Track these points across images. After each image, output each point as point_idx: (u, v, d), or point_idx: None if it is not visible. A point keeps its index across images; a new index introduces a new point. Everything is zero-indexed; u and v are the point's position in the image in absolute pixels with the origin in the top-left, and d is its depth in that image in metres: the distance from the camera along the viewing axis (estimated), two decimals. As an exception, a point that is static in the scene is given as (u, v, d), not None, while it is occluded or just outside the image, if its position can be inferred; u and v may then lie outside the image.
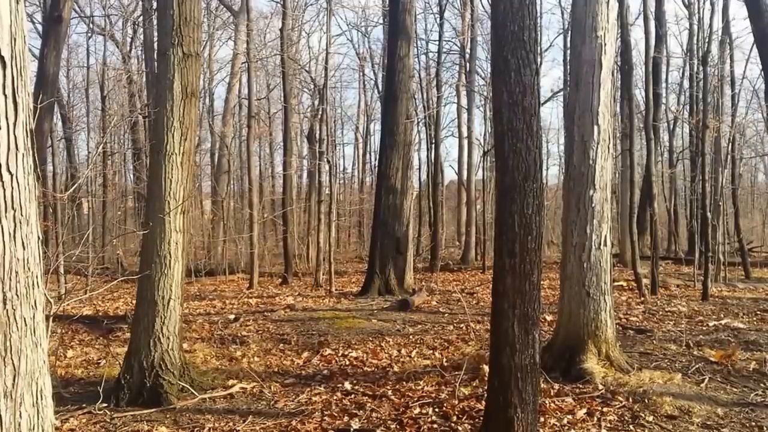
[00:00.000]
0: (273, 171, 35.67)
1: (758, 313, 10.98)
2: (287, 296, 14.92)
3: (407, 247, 15.41)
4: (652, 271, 14.19)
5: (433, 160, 26.40)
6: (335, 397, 6.52)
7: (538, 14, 4.79)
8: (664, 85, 28.51)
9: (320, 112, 19.82)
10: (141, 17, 26.23)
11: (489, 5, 20.35)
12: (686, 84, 28.31)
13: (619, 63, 18.28)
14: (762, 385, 6.46)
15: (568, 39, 22.95)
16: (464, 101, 28.06)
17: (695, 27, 23.90)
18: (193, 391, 6.65)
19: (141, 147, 24.16)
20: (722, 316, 10.60)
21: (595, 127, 6.74)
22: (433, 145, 26.23)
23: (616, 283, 15.42)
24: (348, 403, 6.29)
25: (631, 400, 5.90)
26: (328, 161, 19.79)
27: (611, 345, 6.80)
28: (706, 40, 16.46)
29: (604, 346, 6.74)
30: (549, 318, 9.99)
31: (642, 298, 12.80)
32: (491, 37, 4.91)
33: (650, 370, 6.78)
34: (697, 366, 7.05)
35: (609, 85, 6.82)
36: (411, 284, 15.33)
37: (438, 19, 27.51)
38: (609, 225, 6.87)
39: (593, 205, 6.76)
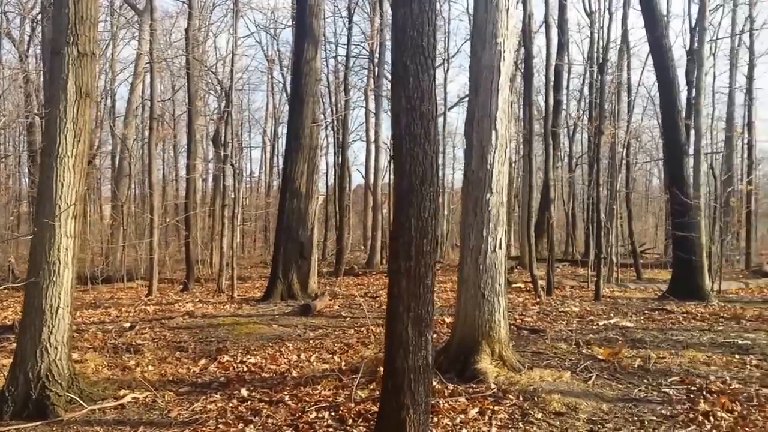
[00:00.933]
0: (177, 174, 34.84)
1: (646, 312, 11.66)
2: (187, 303, 14.61)
3: (311, 252, 15.40)
4: (548, 273, 14.80)
5: (339, 164, 26.49)
6: (231, 405, 6.44)
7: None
8: (565, 91, 29.75)
9: (226, 115, 19.55)
10: (39, 15, 25.05)
11: (392, 11, 20.74)
12: (587, 91, 29.56)
13: (522, 70, 18.96)
14: (645, 381, 6.85)
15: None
16: (372, 105, 28.37)
17: (596, 35, 25.10)
18: (81, 402, 6.41)
19: (36, 149, 23.07)
20: (612, 315, 11.20)
21: (494, 132, 6.98)
22: (341, 149, 26.34)
23: (514, 285, 16.03)
24: (244, 410, 6.22)
25: (521, 398, 6.13)
26: (233, 165, 19.52)
27: (504, 345, 7.05)
28: (605, 48, 17.27)
29: (498, 347, 6.98)
30: (448, 320, 10.26)
31: (538, 299, 13.34)
32: (392, 42, 5.00)
33: (541, 368, 7.07)
34: (585, 364, 7.41)
35: (507, 91, 7.08)
36: (315, 289, 15.34)
37: (347, 23, 27.64)
38: (504, 228, 7.13)
39: (490, 208, 6.99)
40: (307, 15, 14.78)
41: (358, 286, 17.83)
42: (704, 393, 6.33)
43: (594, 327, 9.99)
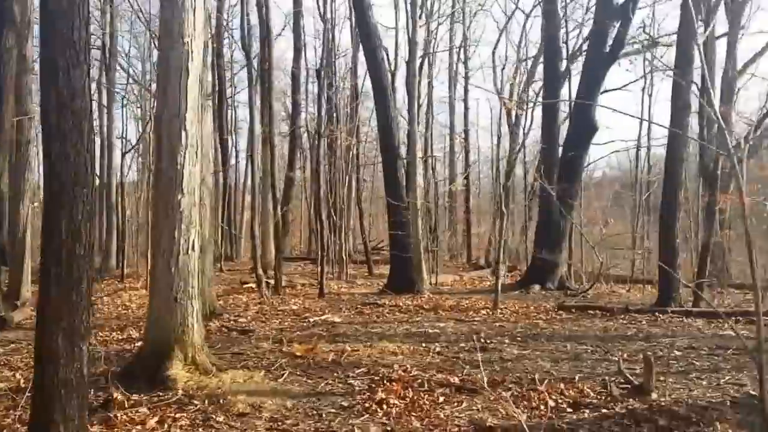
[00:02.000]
0: None
1: (359, 307, 12.34)
2: None
3: (23, 258, 13.98)
4: (275, 273, 15.05)
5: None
6: None
7: (90, 14, 4.73)
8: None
9: None
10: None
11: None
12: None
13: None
14: (335, 374, 7.20)
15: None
16: (105, 100, 26.60)
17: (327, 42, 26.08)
18: None
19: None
20: (327, 312, 11.68)
21: (183, 133, 6.85)
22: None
23: (246, 285, 16.03)
24: None
25: (206, 402, 6.09)
26: None
27: (198, 349, 6.97)
28: (328, 54, 17.97)
29: (191, 351, 6.89)
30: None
31: (262, 298, 13.48)
32: (39, 36, 4.68)
33: (236, 370, 7.12)
34: (282, 362, 7.59)
35: (197, 91, 7.02)
36: (28, 298, 13.93)
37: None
38: (198, 230, 7.06)
39: (181, 209, 6.86)
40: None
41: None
42: (385, 382, 6.81)
43: (304, 324, 10.33)
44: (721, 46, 18.64)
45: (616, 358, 7.76)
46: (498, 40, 41.65)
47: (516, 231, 27.86)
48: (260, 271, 14.00)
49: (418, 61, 18.30)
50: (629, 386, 6.60)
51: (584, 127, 16.60)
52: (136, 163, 25.17)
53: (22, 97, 13.32)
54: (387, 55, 19.37)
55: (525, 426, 4.73)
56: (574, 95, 18.82)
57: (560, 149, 17.46)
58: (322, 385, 6.79)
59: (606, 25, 15.95)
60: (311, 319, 10.69)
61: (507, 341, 9.11)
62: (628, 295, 15.21)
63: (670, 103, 12.42)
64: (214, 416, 5.78)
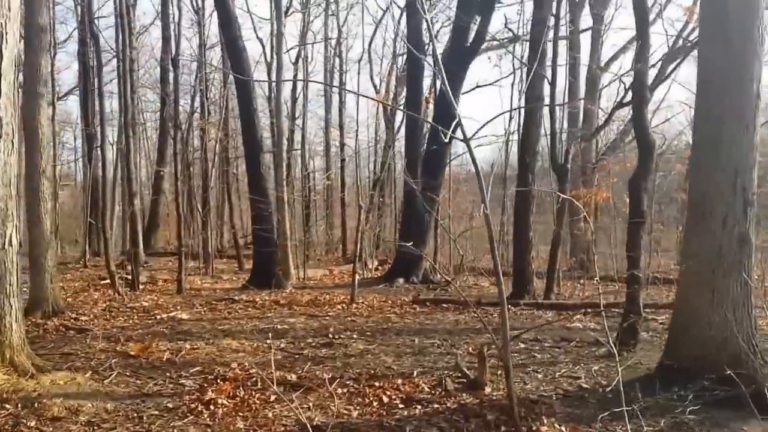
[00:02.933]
0: None
1: (213, 303, 12.11)
2: None
3: None
4: (132, 268, 14.50)
5: None
6: None
7: None
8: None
9: None
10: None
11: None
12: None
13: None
14: (167, 374, 6.98)
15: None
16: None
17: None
18: None
19: None
20: (179, 308, 11.38)
21: (-6, 120, 6.47)
22: None
23: (104, 281, 15.35)
24: None
25: (20, 406, 5.76)
26: None
27: (18, 349, 6.56)
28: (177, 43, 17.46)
29: (9, 352, 6.47)
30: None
31: (114, 295, 12.96)
32: None
33: (61, 371, 6.76)
34: (112, 362, 7.28)
35: (13, 76, 6.61)
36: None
37: None
38: (15, 224, 6.64)
39: (-2, 202, 6.48)
40: None
41: None
42: (218, 381, 6.70)
43: (150, 322, 10.01)
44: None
45: (461, 352, 8.04)
46: (373, 35, 42.16)
47: (390, 225, 28.24)
48: (113, 267, 13.43)
49: (285, 53, 18.19)
50: (465, 381, 6.77)
51: (444, 121, 17.01)
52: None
53: None
54: (263, 46, 19.12)
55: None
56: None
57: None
58: (151, 385, 6.59)
59: (467, 20, 16.35)
60: (158, 317, 10.38)
61: (355, 336, 9.21)
62: (490, 288, 15.74)
63: (525, 97, 12.98)
64: (25, 421, 5.47)
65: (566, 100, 19.13)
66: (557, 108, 13.06)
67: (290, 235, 18.20)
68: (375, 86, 28.81)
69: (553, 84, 12.77)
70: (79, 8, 23.95)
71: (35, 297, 10.47)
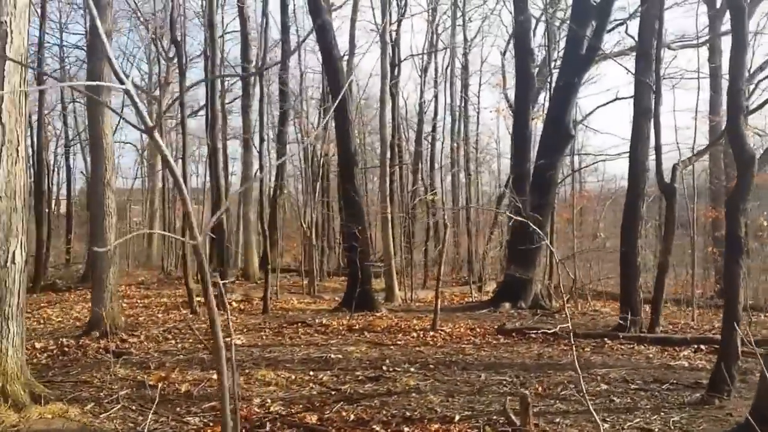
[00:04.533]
0: None
1: (285, 326, 11.49)
2: None
3: None
4: (220, 286, 14.26)
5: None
6: None
7: None
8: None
9: None
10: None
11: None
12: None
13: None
14: (177, 409, 6.31)
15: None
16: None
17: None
18: None
19: None
20: (244, 331, 10.88)
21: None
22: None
23: (197, 298, 15.25)
24: None
25: (-10, 442, 5.36)
26: None
27: (12, 377, 6.13)
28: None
29: (1, 380, 6.10)
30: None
31: (191, 315, 12.73)
32: None
33: (58, 403, 6.27)
34: (124, 393, 6.77)
35: (18, 79, 6.27)
36: None
37: None
38: (21, 240, 6.29)
39: (-2, 215, 6.13)
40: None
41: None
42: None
43: (201, 346, 9.51)
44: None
45: (526, 392, 6.88)
46: (507, 45, 40.60)
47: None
48: (191, 285, 13.21)
49: (388, 62, 17.57)
50: (509, 429, 5.69)
51: (557, 135, 15.59)
52: None
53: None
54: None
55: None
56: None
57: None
58: (150, 422, 5.95)
59: (582, 25, 14.96)
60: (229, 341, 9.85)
61: (412, 370, 8.19)
62: (605, 315, 14.19)
63: (633, 109, 11.51)
64: (-14, 461, 5.01)
65: (709, 113, 17.30)
66: (660, 121, 11.38)
67: (395, 253, 17.55)
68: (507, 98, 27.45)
69: (657, 94, 11.17)
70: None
71: (95, 315, 10.33)
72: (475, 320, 13.11)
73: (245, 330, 11.07)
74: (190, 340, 10.00)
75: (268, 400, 6.65)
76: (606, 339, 10.34)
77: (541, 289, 16.59)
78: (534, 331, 10.74)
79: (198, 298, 13.07)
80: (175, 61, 27.54)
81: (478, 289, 20.93)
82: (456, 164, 28.50)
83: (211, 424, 5.93)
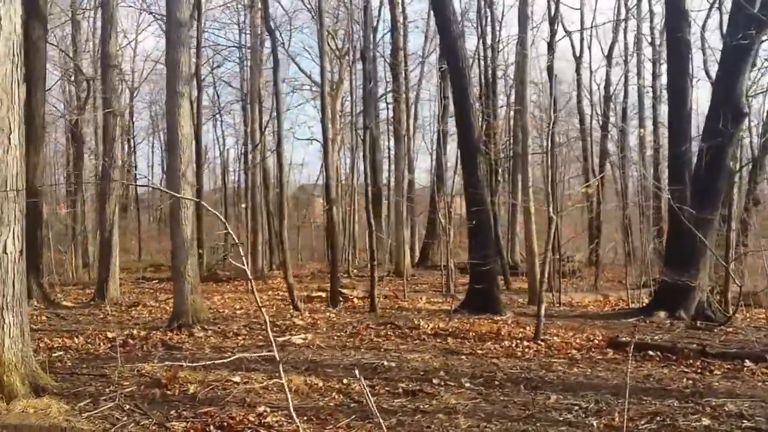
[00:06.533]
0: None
1: (371, 328, 10.97)
2: None
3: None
4: (331, 282, 14.12)
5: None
6: None
7: None
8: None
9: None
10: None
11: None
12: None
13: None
14: (171, 412, 6.05)
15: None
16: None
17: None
18: None
19: None
20: (319, 330, 10.53)
21: (-9, 114, 6.21)
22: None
23: (317, 294, 15.34)
24: None
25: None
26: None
27: (9, 368, 6.18)
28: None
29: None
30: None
31: (291, 310, 12.67)
32: None
33: (59, 397, 6.33)
34: (129, 390, 6.69)
35: (10, 67, 6.30)
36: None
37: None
38: (13, 229, 6.32)
39: (-14, 206, 6.22)
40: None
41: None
42: (209, 428, 5.61)
43: (262, 344, 9.28)
44: None
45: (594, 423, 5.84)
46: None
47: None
48: (291, 280, 13.12)
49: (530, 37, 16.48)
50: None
51: (725, 113, 13.44)
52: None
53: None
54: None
55: None
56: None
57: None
58: (131, 425, 5.73)
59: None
60: (278, 339, 9.58)
61: (468, 385, 7.27)
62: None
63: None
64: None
65: None
66: None
67: (538, 251, 16.35)
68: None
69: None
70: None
71: (176, 307, 10.52)
72: (609, 329, 11.67)
73: (327, 329, 10.70)
74: (259, 338, 9.81)
75: (269, 410, 6.16)
76: (747, 361, 8.61)
77: (709, 297, 14.52)
78: (654, 347, 9.25)
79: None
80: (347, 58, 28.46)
81: (649, 294, 18.95)
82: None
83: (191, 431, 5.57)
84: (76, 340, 9.33)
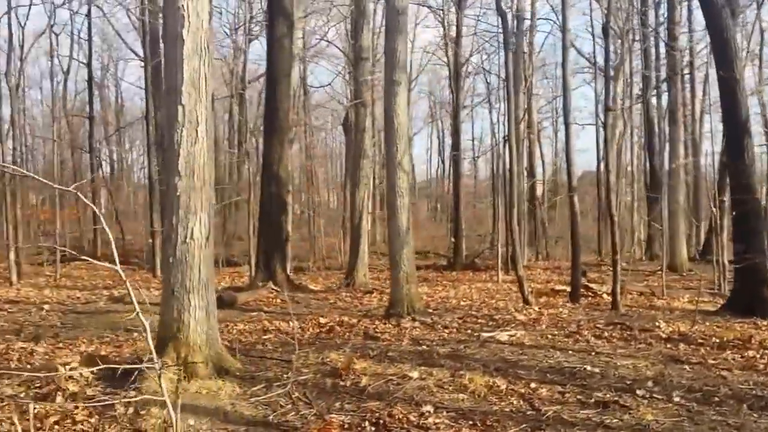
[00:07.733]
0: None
1: (601, 329, 10.00)
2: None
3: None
4: (613, 279, 13.15)
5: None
6: None
7: None
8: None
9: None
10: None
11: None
12: None
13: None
14: (341, 400, 6.09)
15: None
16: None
17: None
18: None
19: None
20: (527, 328, 9.85)
21: (180, 108, 6.60)
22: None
23: (559, 289, 14.64)
24: None
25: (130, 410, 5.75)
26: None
27: (194, 348, 6.58)
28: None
29: (185, 350, 6.55)
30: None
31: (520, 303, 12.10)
32: None
33: (238, 380, 6.61)
34: (304, 378, 6.77)
35: (197, 62, 6.65)
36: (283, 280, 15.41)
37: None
38: (201, 217, 6.69)
39: (178, 194, 6.64)
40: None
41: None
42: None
43: (465, 339, 8.92)
44: None
45: None
46: None
47: None
48: (521, 272, 12.44)
49: None
50: None
51: None
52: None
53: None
54: None
55: None
56: None
57: None
58: (287, 410, 5.81)
59: None
60: (482, 335, 9.12)
61: (678, 399, 6.20)
62: None
63: None
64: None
65: None
66: None
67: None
68: None
69: None
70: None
71: (392, 296, 10.62)
72: None
73: (546, 326, 10.02)
74: (468, 332, 9.47)
75: (433, 410, 5.86)
76: None
77: None
78: None
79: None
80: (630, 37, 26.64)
81: None
82: None
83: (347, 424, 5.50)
84: (291, 324, 9.77)
